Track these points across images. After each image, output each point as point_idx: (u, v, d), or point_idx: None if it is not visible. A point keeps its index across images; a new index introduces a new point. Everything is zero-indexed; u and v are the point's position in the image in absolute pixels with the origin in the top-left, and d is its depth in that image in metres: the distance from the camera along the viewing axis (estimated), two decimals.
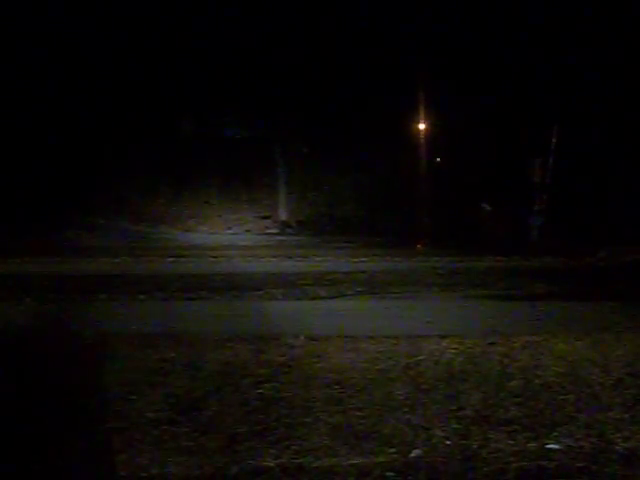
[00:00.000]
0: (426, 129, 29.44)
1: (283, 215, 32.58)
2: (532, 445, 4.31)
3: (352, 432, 4.49)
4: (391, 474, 3.86)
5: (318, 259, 18.22)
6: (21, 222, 26.03)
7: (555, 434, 4.50)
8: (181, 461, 4.00)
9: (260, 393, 5.33)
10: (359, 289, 12.14)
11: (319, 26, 30.49)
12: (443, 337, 7.39)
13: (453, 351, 6.77)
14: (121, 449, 4.15)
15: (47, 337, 7.82)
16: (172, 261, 17.92)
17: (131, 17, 30.35)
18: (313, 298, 11.11)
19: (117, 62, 30.74)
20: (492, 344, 7.08)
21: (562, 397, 5.26)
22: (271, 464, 3.96)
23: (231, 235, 30.17)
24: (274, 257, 18.85)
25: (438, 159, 31.03)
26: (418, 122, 29.46)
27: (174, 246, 23.76)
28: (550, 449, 4.26)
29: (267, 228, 31.86)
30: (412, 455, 4.12)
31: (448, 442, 4.34)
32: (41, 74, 30.03)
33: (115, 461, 3.97)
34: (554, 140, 27.76)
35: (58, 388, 5.48)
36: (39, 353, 6.77)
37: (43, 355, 6.65)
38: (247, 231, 31.53)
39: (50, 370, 6.12)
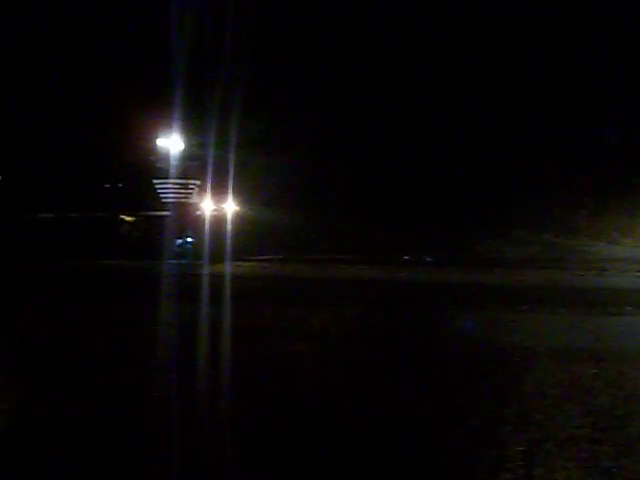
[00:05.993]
0: None
1: None
2: None
3: None
4: None
5: None
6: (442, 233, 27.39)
7: None
8: None
9: None
10: None
11: None
12: None
13: None
14: (537, 462, 4.07)
15: (458, 343, 8.10)
16: (595, 274, 17.45)
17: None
18: None
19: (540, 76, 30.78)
20: None
21: None
22: None
23: None
24: None
25: None
26: None
27: (595, 259, 23.02)
28: None
29: None
30: None
31: None
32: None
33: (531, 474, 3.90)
34: None
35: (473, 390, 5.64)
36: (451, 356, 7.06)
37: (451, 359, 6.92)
38: None
39: (468, 374, 6.32)
